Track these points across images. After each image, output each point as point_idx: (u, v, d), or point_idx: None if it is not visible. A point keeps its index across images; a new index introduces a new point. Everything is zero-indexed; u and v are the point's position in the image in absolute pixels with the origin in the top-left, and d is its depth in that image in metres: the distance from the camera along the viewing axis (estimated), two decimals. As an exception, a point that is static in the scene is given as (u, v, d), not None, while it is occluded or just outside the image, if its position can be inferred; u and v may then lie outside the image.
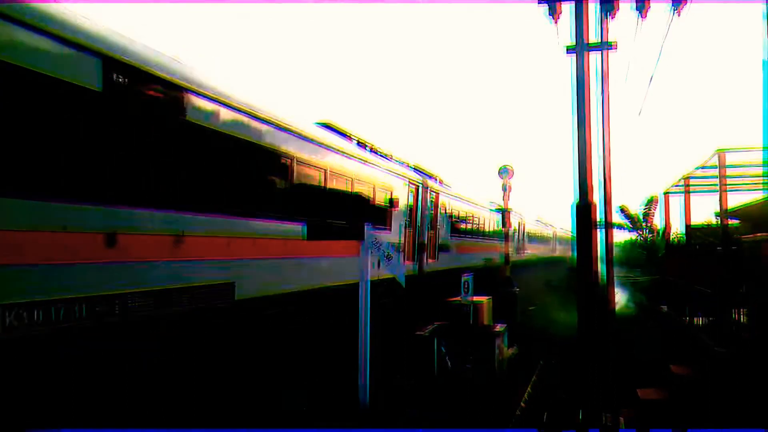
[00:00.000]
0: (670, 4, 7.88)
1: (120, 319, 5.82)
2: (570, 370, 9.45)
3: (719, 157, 10.64)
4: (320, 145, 10.11)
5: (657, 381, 10.35)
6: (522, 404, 8.66)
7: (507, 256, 18.97)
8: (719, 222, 13.14)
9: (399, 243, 13.83)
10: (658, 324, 14.25)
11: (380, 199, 12.71)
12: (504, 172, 17.97)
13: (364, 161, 11.95)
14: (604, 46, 8.22)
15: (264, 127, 8.44)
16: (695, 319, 11.36)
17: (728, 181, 12.01)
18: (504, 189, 18.04)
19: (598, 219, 8.14)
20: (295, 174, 9.22)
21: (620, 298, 18.48)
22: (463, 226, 20.46)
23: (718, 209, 13.26)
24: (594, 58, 8.32)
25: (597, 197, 8.18)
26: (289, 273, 9.05)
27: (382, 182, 12.80)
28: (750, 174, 12.84)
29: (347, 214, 10.79)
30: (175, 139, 6.71)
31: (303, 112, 13.29)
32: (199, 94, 7.09)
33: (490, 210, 24.91)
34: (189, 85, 6.92)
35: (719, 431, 7.29)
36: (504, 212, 18.84)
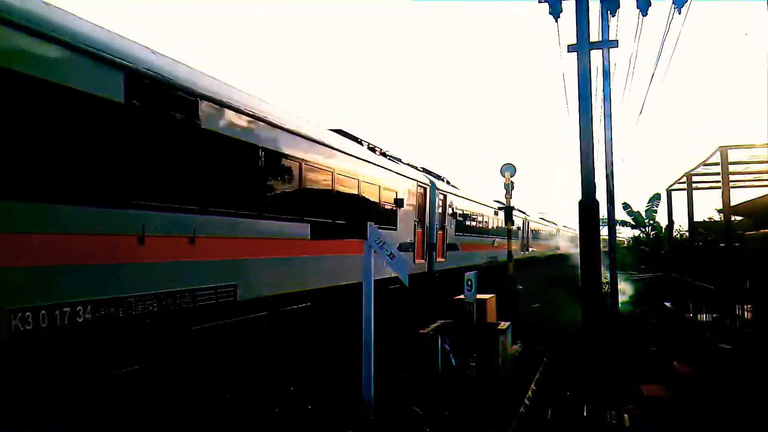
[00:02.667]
0: (672, 1, 7.89)
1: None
2: (574, 367, 9.47)
3: (722, 153, 10.62)
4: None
5: (661, 378, 10.35)
6: (526, 401, 8.68)
7: (510, 254, 18.96)
8: (722, 218, 13.13)
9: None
10: (661, 321, 14.24)
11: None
12: (507, 169, 17.81)
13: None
14: (607, 44, 8.24)
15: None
16: (699, 316, 11.35)
17: (731, 177, 11.99)
18: (506, 188, 17.93)
19: (601, 216, 8.16)
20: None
21: (624, 295, 18.47)
22: None
23: (721, 206, 13.24)
24: (596, 55, 8.33)
25: (598, 195, 8.19)
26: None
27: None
28: (753, 171, 12.83)
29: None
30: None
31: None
32: None
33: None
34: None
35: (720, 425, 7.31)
36: (507, 210, 18.72)
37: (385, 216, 13.15)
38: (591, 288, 7.87)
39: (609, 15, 8.20)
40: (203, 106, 7.12)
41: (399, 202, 13.83)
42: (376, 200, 12.67)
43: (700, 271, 11.54)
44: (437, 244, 16.74)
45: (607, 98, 8.43)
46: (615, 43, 8.15)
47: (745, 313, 9.48)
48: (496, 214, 26.32)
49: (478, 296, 10.14)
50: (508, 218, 18.67)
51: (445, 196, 17.96)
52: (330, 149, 10.53)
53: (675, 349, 11.71)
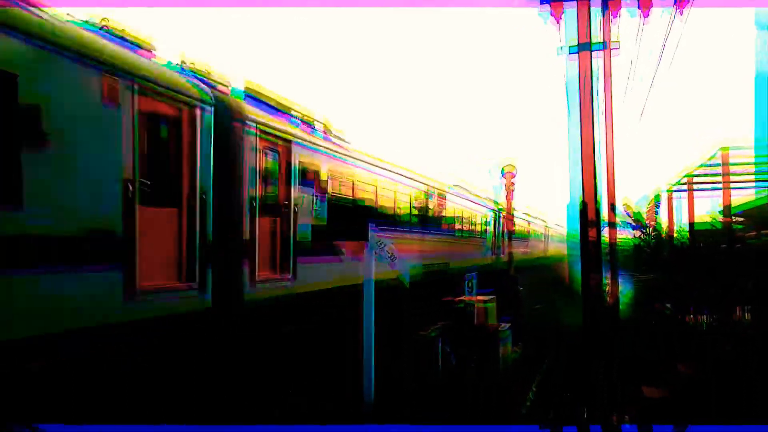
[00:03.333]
0: (673, 3, 7.89)
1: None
2: (575, 368, 9.46)
3: (722, 154, 10.63)
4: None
5: (662, 379, 10.32)
6: (527, 403, 8.69)
7: (510, 255, 18.98)
8: (719, 219, 13.13)
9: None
10: (662, 322, 14.22)
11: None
12: (507, 172, 17.87)
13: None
14: (607, 45, 8.25)
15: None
16: (700, 318, 11.34)
17: (732, 178, 11.99)
18: (507, 190, 17.96)
19: (600, 218, 8.16)
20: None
21: (623, 297, 18.42)
22: None
23: (721, 207, 13.24)
24: (596, 57, 8.33)
25: (599, 196, 8.19)
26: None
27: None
28: (754, 172, 12.83)
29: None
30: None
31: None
32: None
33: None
34: None
35: (722, 427, 7.29)
36: (505, 214, 18.78)
37: (481, 231, 22.89)
38: (591, 287, 7.88)
39: (609, 17, 8.21)
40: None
41: (486, 222, 23.39)
42: (480, 221, 22.62)
43: (701, 273, 11.53)
44: (501, 246, 25.89)
45: (606, 99, 8.44)
46: (615, 45, 8.16)
47: (747, 314, 9.48)
48: (528, 224, 36.71)
49: (479, 298, 10.15)
50: (510, 220, 18.71)
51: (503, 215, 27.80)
52: (472, 202, 21.36)
53: (676, 350, 11.69)
